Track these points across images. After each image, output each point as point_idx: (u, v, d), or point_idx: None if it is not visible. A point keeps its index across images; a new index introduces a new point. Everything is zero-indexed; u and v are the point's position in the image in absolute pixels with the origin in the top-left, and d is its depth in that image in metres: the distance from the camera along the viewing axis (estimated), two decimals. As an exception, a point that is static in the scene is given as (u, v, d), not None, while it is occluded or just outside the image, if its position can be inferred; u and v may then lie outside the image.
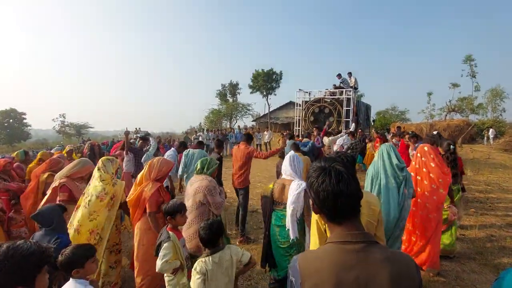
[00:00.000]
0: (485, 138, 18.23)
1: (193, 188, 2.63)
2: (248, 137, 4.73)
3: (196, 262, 1.95)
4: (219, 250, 1.94)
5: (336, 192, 0.86)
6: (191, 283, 1.90)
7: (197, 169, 2.78)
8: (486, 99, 26.06)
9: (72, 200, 3.00)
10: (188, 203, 2.62)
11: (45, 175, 3.67)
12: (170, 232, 2.20)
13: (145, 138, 5.65)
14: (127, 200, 2.74)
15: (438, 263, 3.16)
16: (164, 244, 2.10)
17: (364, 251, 0.83)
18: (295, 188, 2.34)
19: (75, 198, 2.98)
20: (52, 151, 7.10)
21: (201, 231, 1.94)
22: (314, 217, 1.80)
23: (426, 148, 3.20)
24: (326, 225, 1.72)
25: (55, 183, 3.08)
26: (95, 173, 2.88)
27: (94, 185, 2.79)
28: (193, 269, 1.92)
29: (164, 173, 2.72)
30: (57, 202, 2.82)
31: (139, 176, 2.79)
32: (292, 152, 2.66)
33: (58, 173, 3.20)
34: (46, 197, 3.07)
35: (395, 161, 2.68)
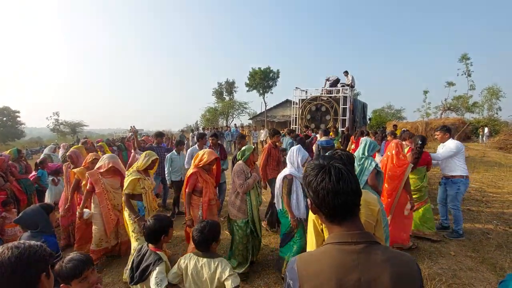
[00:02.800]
0: (480, 136, 18.41)
1: (233, 169, 3.35)
2: (274, 133, 4.93)
3: (184, 256, 1.93)
4: (209, 257, 1.84)
5: (336, 191, 0.82)
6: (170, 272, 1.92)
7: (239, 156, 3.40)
8: (483, 98, 26.23)
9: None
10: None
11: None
12: (158, 252, 1.93)
13: (160, 134, 5.67)
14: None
15: (407, 240, 3.70)
16: (157, 268, 1.81)
17: (365, 252, 0.79)
18: (280, 175, 2.99)
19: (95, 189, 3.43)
20: (45, 150, 6.99)
21: (193, 232, 1.90)
22: (311, 216, 1.76)
23: (393, 144, 3.81)
24: (324, 225, 1.70)
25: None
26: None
27: None
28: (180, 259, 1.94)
29: (206, 161, 3.13)
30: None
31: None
32: (298, 146, 3.20)
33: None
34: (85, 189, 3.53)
35: (360, 152, 3.11)
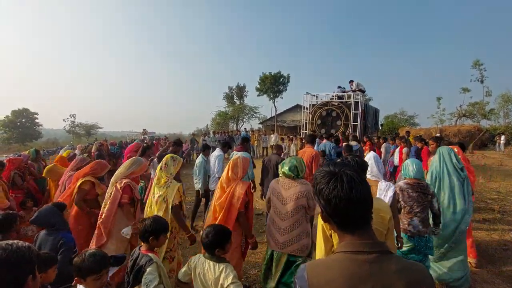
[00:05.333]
0: (497, 144, 17.79)
1: (294, 192, 2.45)
2: (312, 138, 4.55)
3: (195, 256, 1.95)
4: (214, 260, 1.84)
5: (349, 199, 0.81)
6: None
7: (290, 173, 2.53)
8: (498, 105, 25.37)
9: (132, 203, 2.94)
10: (288, 207, 2.44)
11: (82, 180, 3.22)
12: (150, 254, 1.90)
13: (178, 142, 5.21)
14: (216, 203, 2.65)
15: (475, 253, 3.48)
16: (148, 269, 1.78)
17: (378, 261, 0.78)
18: (384, 189, 2.38)
19: (136, 200, 2.97)
20: (61, 151, 7.21)
21: (202, 235, 1.92)
22: (320, 221, 1.77)
23: (456, 150, 3.39)
24: (333, 232, 1.70)
25: (117, 185, 2.88)
26: (157, 173, 2.85)
27: (153, 186, 2.84)
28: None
29: (246, 171, 2.78)
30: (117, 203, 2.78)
31: (222, 180, 2.74)
32: (373, 153, 2.93)
33: (114, 175, 3.04)
34: (105, 200, 2.88)
35: (454, 161, 2.97)
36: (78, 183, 3.22)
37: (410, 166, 2.67)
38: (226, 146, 5.07)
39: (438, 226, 2.71)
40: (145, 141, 13.72)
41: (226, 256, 2.28)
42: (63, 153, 5.97)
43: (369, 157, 2.82)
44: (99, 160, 3.81)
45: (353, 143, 6.75)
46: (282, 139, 12.83)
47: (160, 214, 2.61)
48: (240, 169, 2.68)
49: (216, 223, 2.52)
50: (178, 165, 2.91)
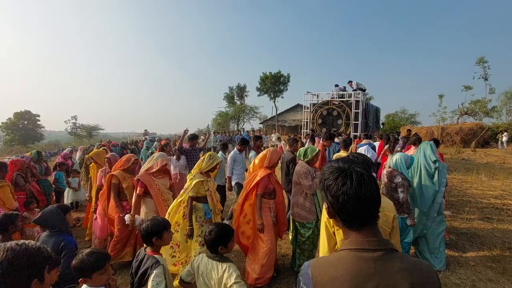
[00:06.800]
0: (499, 142, 17.71)
1: (294, 170, 3.28)
2: (330, 136, 4.78)
3: (198, 256, 1.94)
4: (217, 260, 1.81)
5: (358, 197, 0.80)
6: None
7: (298, 155, 3.36)
8: (500, 102, 25.24)
9: (148, 194, 3.29)
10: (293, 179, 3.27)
11: (109, 175, 3.60)
12: (156, 256, 1.87)
13: (194, 136, 5.56)
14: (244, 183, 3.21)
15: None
16: (155, 271, 1.76)
17: (383, 259, 0.77)
18: None
19: (149, 192, 3.26)
20: (64, 151, 7.24)
21: (205, 232, 1.90)
22: (323, 218, 1.75)
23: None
24: (336, 228, 1.68)
25: (134, 180, 3.37)
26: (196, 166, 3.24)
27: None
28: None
29: (274, 161, 3.15)
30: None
31: (251, 166, 3.30)
32: (367, 145, 3.29)
33: (141, 169, 3.49)
34: (135, 193, 3.30)
35: (428, 154, 3.44)
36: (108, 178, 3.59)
37: (394, 158, 3.24)
38: (226, 147, 5.29)
39: (409, 215, 3.09)
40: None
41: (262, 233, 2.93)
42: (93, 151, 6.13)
43: (364, 148, 3.21)
44: (128, 154, 3.98)
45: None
46: (279, 139, 12.88)
47: (183, 202, 3.05)
48: (267, 160, 3.13)
49: (241, 198, 3.11)
50: (212, 164, 3.15)
